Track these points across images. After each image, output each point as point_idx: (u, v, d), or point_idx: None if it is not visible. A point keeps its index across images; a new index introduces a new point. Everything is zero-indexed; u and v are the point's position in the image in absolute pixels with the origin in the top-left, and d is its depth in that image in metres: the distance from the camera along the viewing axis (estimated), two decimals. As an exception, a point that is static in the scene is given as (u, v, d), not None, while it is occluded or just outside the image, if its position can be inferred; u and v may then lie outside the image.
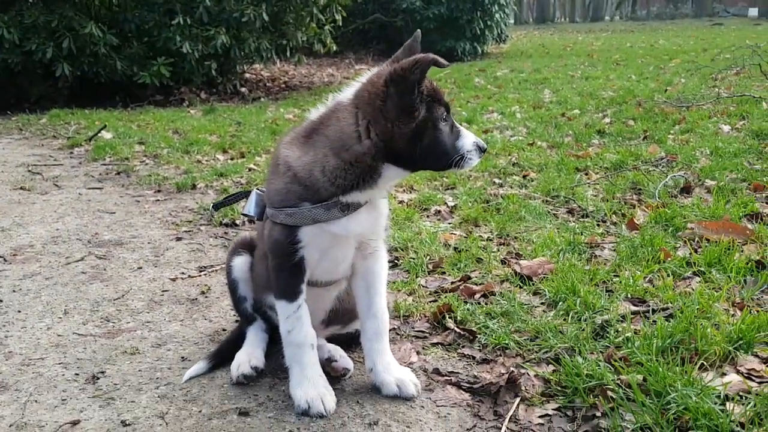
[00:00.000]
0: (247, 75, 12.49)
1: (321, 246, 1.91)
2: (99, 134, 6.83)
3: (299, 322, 1.96)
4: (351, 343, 2.30)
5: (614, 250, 3.15)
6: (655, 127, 6.22)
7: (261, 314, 2.27)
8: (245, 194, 2.14)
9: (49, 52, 8.77)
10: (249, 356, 2.16)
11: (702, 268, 2.82)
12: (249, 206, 2.03)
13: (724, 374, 2.00)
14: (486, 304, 2.62)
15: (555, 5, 60.99)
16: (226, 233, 3.72)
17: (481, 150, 1.91)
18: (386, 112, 1.79)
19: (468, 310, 2.55)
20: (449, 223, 3.77)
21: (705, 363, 2.03)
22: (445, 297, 2.70)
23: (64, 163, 5.82)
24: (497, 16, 17.32)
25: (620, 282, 2.70)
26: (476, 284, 2.82)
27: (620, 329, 2.28)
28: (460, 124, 1.97)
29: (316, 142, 1.85)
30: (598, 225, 3.58)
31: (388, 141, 1.80)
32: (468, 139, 1.90)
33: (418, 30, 2.01)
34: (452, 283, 2.88)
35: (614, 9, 58.40)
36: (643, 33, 27.46)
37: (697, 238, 3.20)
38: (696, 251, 3.04)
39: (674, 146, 5.38)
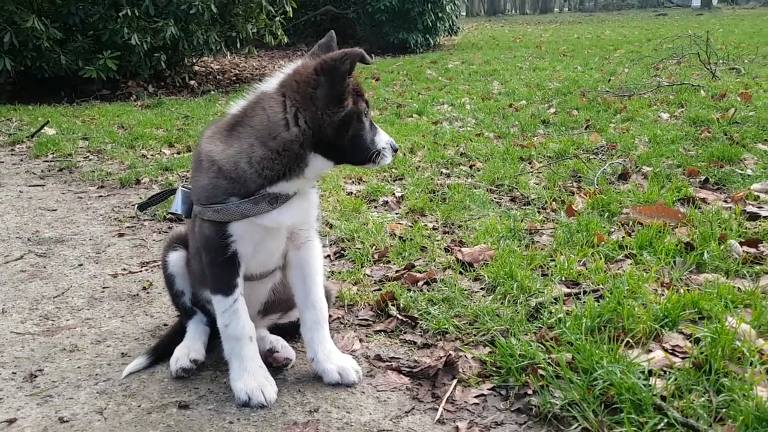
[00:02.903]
0: (197, 68, 12.29)
1: (253, 239, 1.93)
2: (42, 130, 6.65)
3: (236, 316, 1.97)
4: (293, 332, 2.31)
5: (552, 235, 3.25)
6: (597, 117, 6.39)
7: (200, 308, 2.27)
8: (171, 192, 2.14)
9: (-11, 47, 8.47)
10: (188, 349, 2.16)
11: (634, 251, 2.93)
12: (176, 205, 2.02)
13: (649, 351, 2.09)
14: (428, 291, 2.68)
15: (506, -3, 61.57)
16: (169, 228, 3.69)
17: (394, 149, 1.99)
18: (316, 99, 1.82)
19: (411, 297, 2.61)
20: (396, 214, 3.81)
21: (631, 341, 2.13)
22: (389, 285, 2.75)
23: (5, 161, 5.65)
24: (448, 8, 17.42)
25: (556, 266, 2.79)
26: (420, 272, 2.88)
27: (553, 311, 2.36)
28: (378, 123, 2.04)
29: (240, 134, 1.86)
30: (538, 212, 3.68)
31: (317, 129, 1.84)
32: (384, 137, 1.98)
33: (332, 31, 2.05)
34: (396, 271, 2.93)
35: (563, 1, 59.36)
36: (590, 24, 28.04)
37: (631, 223, 3.33)
38: (629, 235, 3.16)
39: (615, 135, 5.54)
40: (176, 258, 2.26)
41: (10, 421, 1.90)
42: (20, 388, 2.08)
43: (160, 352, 2.22)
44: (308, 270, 2.06)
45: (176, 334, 2.27)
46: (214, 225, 1.89)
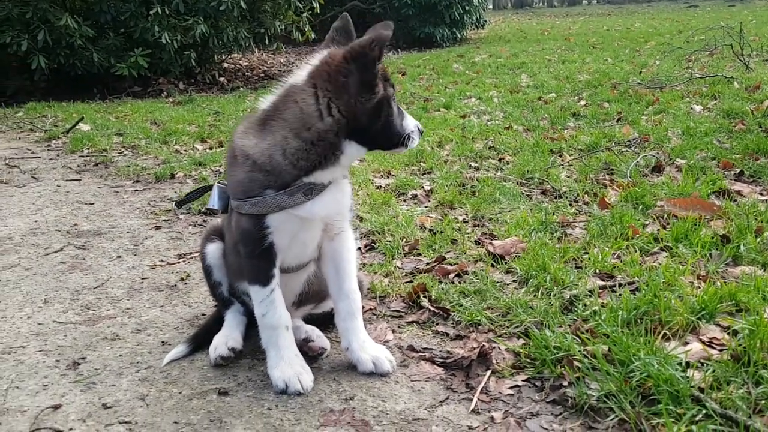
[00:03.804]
0: (226, 65, 12.42)
1: (289, 230, 1.95)
2: (76, 126, 6.79)
3: (273, 306, 2.00)
4: (327, 322, 2.35)
5: (585, 228, 3.23)
6: (629, 109, 6.32)
7: (237, 298, 2.32)
8: (207, 189, 2.18)
9: (24, 45, 8.66)
10: (226, 338, 2.20)
11: (669, 244, 2.90)
12: (212, 200, 2.07)
13: (686, 343, 2.08)
14: (460, 283, 2.69)
15: (534, -10, 60.90)
16: (204, 221, 3.74)
17: (420, 132, 2.01)
18: (349, 87, 1.84)
19: (442, 289, 2.62)
20: (425, 207, 3.82)
21: (668, 333, 2.11)
22: (420, 277, 2.76)
23: (42, 156, 5.79)
24: (475, 1, 17.34)
25: (589, 259, 2.78)
26: (450, 264, 2.89)
27: (588, 303, 2.35)
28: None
29: (273, 127, 1.88)
30: (570, 205, 3.66)
31: (351, 117, 1.86)
32: (411, 120, 2.01)
33: (345, 13, 2.04)
34: (427, 264, 2.94)
35: (592, -7, 58.50)
36: (619, 16, 27.64)
37: (665, 215, 3.29)
38: (664, 228, 3.13)
39: (647, 127, 5.47)
40: (213, 249, 2.30)
41: (56, 407, 1.95)
42: (64, 375, 2.14)
43: (200, 341, 2.26)
44: (341, 261, 2.08)
45: (214, 324, 2.32)
46: (251, 218, 1.92)
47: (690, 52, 9.74)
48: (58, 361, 2.23)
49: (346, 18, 2.01)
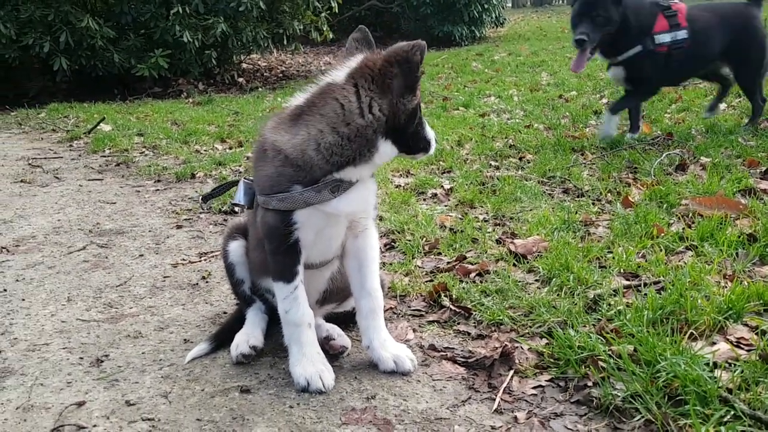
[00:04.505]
0: (244, 65, 12.49)
1: (315, 226, 1.95)
2: (98, 127, 6.86)
3: (296, 303, 2.00)
4: (348, 321, 2.34)
5: (608, 227, 3.19)
6: (651, 107, 6.24)
7: (259, 296, 2.32)
8: (233, 184, 2.18)
9: (47, 47, 8.78)
10: (248, 336, 2.21)
11: (695, 243, 2.86)
12: (238, 195, 2.07)
13: (713, 343, 2.04)
14: (481, 282, 2.67)
15: (553, -12, 60.50)
16: (225, 220, 3.76)
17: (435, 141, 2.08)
18: (393, 88, 1.88)
19: (463, 288, 2.60)
20: (445, 206, 3.80)
21: (695, 333, 2.08)
22: (441, 277, 2.74)
23: (64, 156, 5.85)
24: (494, -1, 17.26)
25: (613, 258, 2.74)
26: (471, 264, 2.86)
27: (612, 303, 2.32)
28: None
29: (308, 122, 1.88)
30: (593, 204, 3.62)
31: (392, 116, 1.90)
32: (429, 128, 2.06)
33: (361, 25, 2.10)
34: (448, 263, 2.92)
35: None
36: (641, 14, 27.29)
37: (690, 214, 3.24)
38: (689, 226, 3.08)
39: (670, 125, 5.40)
40: (236, 247, 2.31)
41: (80, 404, 1.97)
42: (87, 373, 2.15)
43: (222, 339, 2.27)
44: (365, 258, 2.08)
45: (236, 322, 2.32)
46: (278, 213, 1.92)
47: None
48: (81, 358, 2.25)
49: (364, 30, 2.06)
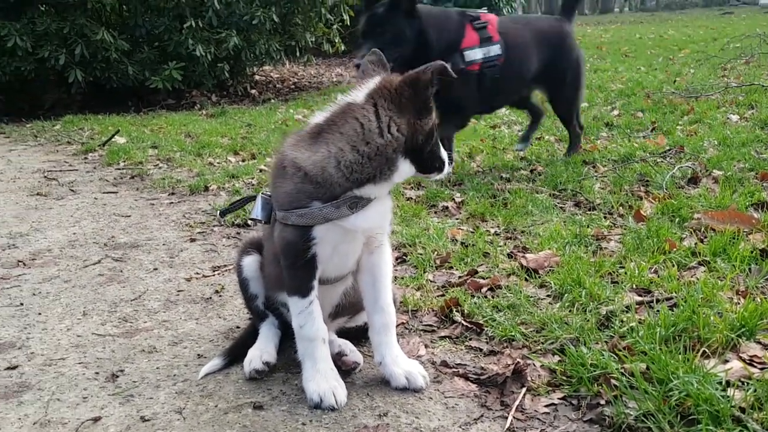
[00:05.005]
0: (257, 77, 12.58)
1: (333, 241, 1.98)
2: (112, 139, 6.94)
3: (311, 318, 2.02)
4: (360, 336, 2.35)
5: (620, 241, 3.19)
6: (663, 119, 6.23)
7: (272, 311, 2.34)
8: (251, 199, 2.22)
9: (62, 59, 8.90)
10: (261, 352, 2.22)
11: (707, 258, 2.85)
12: (256, 210, 2.10)
13: (726, 361, 2.03)
14: (493, 297, 2.67)
15: (564, -2, 60.50)
16: (238, 233, 3.80)
17: (449, 161, 2.11)
18: (410, 109, 1.93)
19: (475, 303, 2.60)
20: (456, 219, 3.81)
21: (707, 350, 2.07)
22: (453, 291, 2.75)
23: (79, 169, 5.92)
24: (504, 10, 17.29)
25: (626, 273, 2.74)
26: (483, 278, 2.87)
27: (625, 319, 2.32)
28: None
29: (328, 140, 1.92)
30: (605, 217, 3.62)
31: (410, 136, 1.93)
32: (443, 149, 2.08)
33: (376, 48, 2.15)
34: (459, 277, 2.93)
35: (624, 0, 57.96)
36: (652, 24, 27.29)
37: (703, 228, 3.23)
38: (702, 241, 3.07)
39: (682, 137, 5.39)
40: (250, 262, 2.33)
41: (95, 419, 1.99)
42: (103, 388, 2.18)
43: (235, 354, 2.29)
44: (378, 274, 2.10)
45: (249, 337, 2.34)
46: (296, 229, 1.95)
47: (725, 61, 9.57)
48: (97, 373, 2.28)
49: (378, 53, 2.11)
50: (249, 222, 3.92)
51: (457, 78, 4.06)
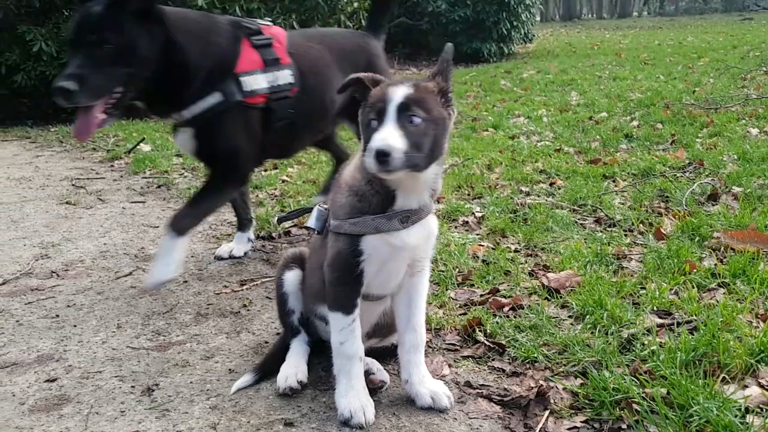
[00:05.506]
0: (276, 82, 12.71)
1: (380, 258, 2.05)
2: (138, 147, 7.07)
3: (352, 335, 2.09)
4: (385, 355, 2.43)
5: (641, 261, 3.23)
6: (682, 131, 6.25)
7: (306, 327, 2.43)
8: (307, 210, 2.31)
9: (87, 65, 9.04)
10: (296, 370, 2.30)
11: (727, 280, 2.89)
12: (311, 221, 2.19)
13: (745, 386, 2.08)
14: (515, 317, 2.73)
15: (582, 1, 60.36)
16: (263, 246, 3.88)
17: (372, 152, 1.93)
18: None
19: (497, 323, 2.66)
20: (477, 234, 3.87)
21: (727, 376, 2.12)
22: (475, 310, 2.81)
23: (106, 177, 6.05)
24: (523, 16, 17.32)
25: (647, 294, 2.79)
26: (505, 297, 2.93)
27: (646, 342, 2.37)
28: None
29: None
30: (625, 235, 3.66)
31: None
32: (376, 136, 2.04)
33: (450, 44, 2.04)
34: (481, 295, 2.99)
35: (642, 4, 57.60)
36: (671, 30, 27.13)
37: (722, 248, 3.27)
38: (721, 261, 3.11)
39: (701, 151, 5.41)
40: (291, 277, 2.41)
41: (134, 433, 2.08)
42: (139, 402, 2.27)
43: (265, 370, 2.37)
44: (415, 296, 2.17)
45: (278, 352, 2.42)
46: (348, 240, 2.02)
47: (746, 71, 9.54)
48: (133, 387, 2.36)
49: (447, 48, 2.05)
50: (274, 234, 4.01)
51: (235, 113, 2.98)
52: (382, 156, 1.81)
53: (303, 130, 3.45)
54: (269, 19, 3.67)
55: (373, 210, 2.01)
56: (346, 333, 2.09)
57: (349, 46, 3.61)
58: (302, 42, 3.42)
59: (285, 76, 3.19)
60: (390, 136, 1.84)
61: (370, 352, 2.42)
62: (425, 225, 2.09)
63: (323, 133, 3.79)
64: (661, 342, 2.35)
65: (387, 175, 1.88)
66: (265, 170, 5.93)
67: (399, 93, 1.90)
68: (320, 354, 2.40)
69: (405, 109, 1.89)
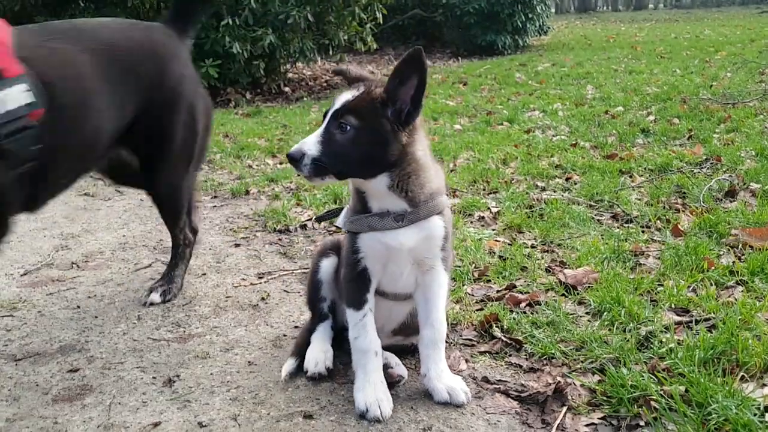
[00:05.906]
0: (290, 75, 12.70)
1: (377, 256, 2.11)
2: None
3: (365, 330, 2.15)
4: (404, 352, 2.45)
5: (659, 258, 3.22)
6: (699, 126, 6.19)
7: (333, 313, 2.49)
8: (341, 210, 2.37)
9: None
10: (324, 356, 2.36)
11: (745, 278, 2.88)
12: (339, 220, 2.29)
13: (764, 385, 2.08)
14: (532, 313, 2.74)
15: (597, -7, 59.80)
16: (280, 239, 3.91)
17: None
18: None
19: (514, 319, 2.67)
20: (493, 230, 3.87)
21: (746, 375, 2.12)
22: (492, 306, 2.82)
23: (123, 168, 6.08)
24: (538, 8, 17.17)
25: (664, 292, 2.78)
26: (521, 293, 2.94)
27: (664, 340, 2.37)
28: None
29: None
30: (642, 231, 3.65)
31: None
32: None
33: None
34: (498, 291, 3.00)
35: (659, -4, 57.03)
36: (687, 22, 26.83)
37: (740, 245, 3.25)
38: (739, 259, 3.10)
39: (719, 146, 5.36)
40: (327, 265, 2.45)
41: (156, 424, 2.11)
42: (161, 393, 2.30)
43: (303, 353, 2.41)
44: (430, 293, 2.19)
45: (310, 335, 2.46)
46: (350, 238, 2.14)
47: (765, 66, 9.43)
48: (154, 378, 2.40)
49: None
50: (291, 227, 4.03)
51: None
52: (292, 160, 1.95)
53: (58, 169, 2.48)
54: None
55: (360, 211, 2.12)
56: (359, 328, 2.15)
57: (124, 45, 2.65)
58: (41, 42, 2.41)
59: (15, 97, 2.16)
60: (307, 142, 1.96)
61: (392, 348, 2.44)
62: (423, 226, 2.11)
63: (88, 172, 2.91)
64: (679, 339, 2.35)
65: (308, 180, 2.02)
66: (281, 163, 5.96)
67: (341, 98, 2.00)
68: (339, 348, 2.42)
69: (339, 116, 1.97)
